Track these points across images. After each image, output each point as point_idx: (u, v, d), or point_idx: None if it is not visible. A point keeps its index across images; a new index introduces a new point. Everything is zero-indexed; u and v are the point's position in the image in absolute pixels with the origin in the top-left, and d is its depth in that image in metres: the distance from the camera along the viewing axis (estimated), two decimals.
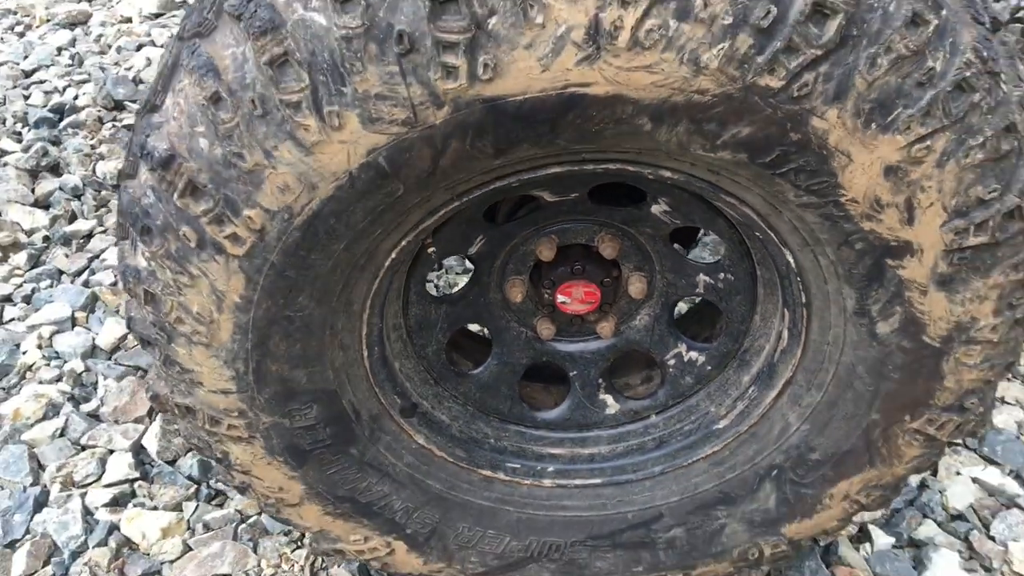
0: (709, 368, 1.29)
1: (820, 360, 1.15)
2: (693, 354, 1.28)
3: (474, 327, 1.47)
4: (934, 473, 1.66)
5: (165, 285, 1.02)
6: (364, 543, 1.30)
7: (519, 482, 1.31)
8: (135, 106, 2.66)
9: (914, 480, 1.64)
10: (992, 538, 1.56)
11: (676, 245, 1.26)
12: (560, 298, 1.22)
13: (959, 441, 1.70)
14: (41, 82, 2.75)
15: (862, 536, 1.57)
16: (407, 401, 1.25)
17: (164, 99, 0.97)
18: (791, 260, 1.08)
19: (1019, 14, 3.07)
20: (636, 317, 1.27)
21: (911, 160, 0.91)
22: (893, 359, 1.09)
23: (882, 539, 1.55)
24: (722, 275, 1.22)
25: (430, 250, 1.16)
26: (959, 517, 1.60)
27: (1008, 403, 1.78)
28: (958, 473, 1.66)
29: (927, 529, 1.57)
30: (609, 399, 1.33)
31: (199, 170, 0.93)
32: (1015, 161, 0.95)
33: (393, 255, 1.06)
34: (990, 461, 1.68)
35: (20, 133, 2.54)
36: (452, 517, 1.29)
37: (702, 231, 1.31)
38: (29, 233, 2.20)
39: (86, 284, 2.08)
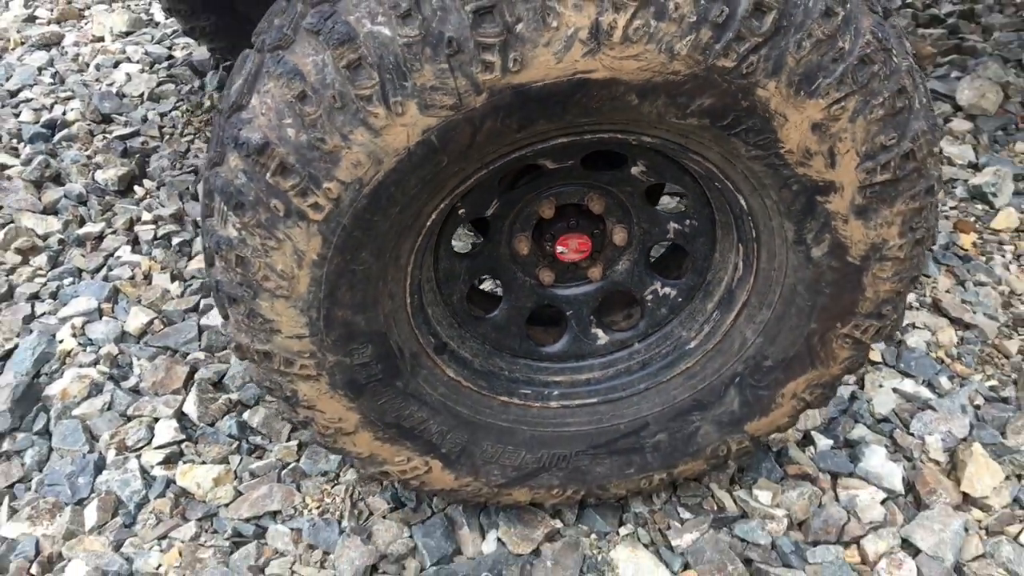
0: (680, 300, 1.59)
1: (768, 283, 1.46)
2: (667, 289, 1.58)
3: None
4: (861, 386, 1.99)
5: (254, 249, 1.27)
6: (407, 463, 1.56)
7: (530, 405, 1.59)
8: (122, 119, 2.86)
9: (846, 392, 1.97)
10: (912, 434, 1.89)
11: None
12: (559, 249, 1.51)
13: (881, 345, 2.03)
14: (27, 100, 2.93)
15: (806, 441, 1.89)
16: (439, 341, 1.52)
17: (250, 100, 1.22)
18: (743, 203, 1.38)
19: (907, 1, 3.47)
20: (619, 262, 1.56)
21: (831, 118, 1.21)
22: (825, 277, 1.40)
23: (823, 441, 1.87)
24: (687, 222, 1.51)
25: (460, 212, 1.43)
26: (884, 420, 1.92)
27: (918, 327, 2.12)
28: (881, 385, 1.99)
29: (859, 431, 1.89)
30: (600, 332, 1.62)
31: (288, 153, 1.19)
32: (907, 115, 1.26)
33: (433, 216, 1.33)
34: (906, 374, 2.01)
35: (17, 148, 2.73)
36: (478, 437, 1.57)
37: (667, 187, 1.60)
38: (44, 237, 2.40)
39: (106, 279, 2.29)
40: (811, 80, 1.18)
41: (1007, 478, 1.78)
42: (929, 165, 1.31)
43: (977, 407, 1.93)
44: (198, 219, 2.47)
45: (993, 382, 1.99)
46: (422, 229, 1.34)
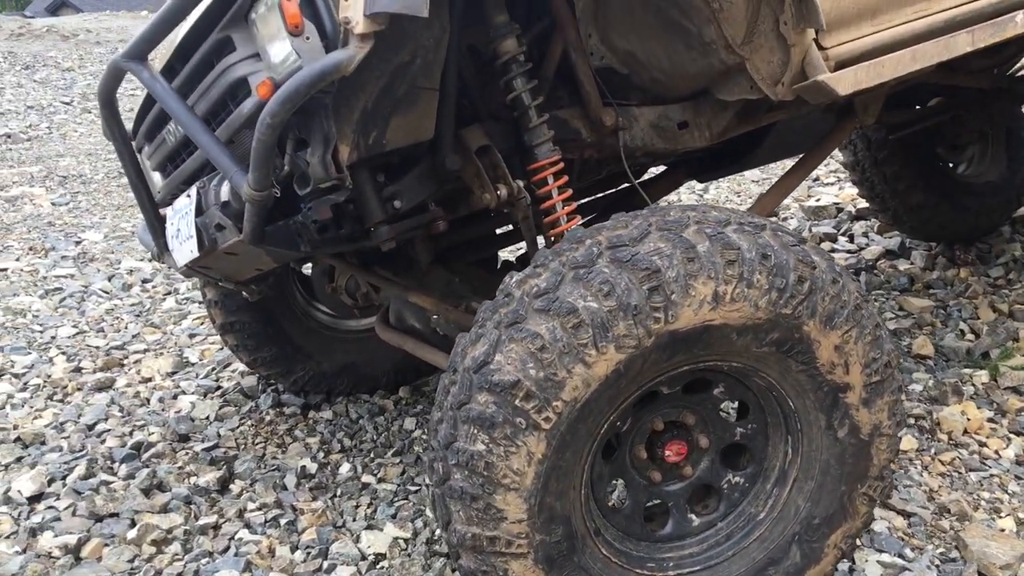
0: (747, 484, 2.27)
1: (811, 461, 2.18)
2: (737, 478, 2.26)
3: None
4: (854, 562, 2.65)
5: (498, 455, 1.90)
6: None
7: (654, 574, 2.18)
8: (199, 436, 3.38)
9: (844, 567, 2.62)
10: None
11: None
12: (667, 452, 2.19)
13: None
14: (107, 431, 3.42)
15: None
16: (595, 526, 2.12)
17: (495, 357, 1.91)
18: (791, 404, 2.13)
19: None
20: (702, 461, 2.25)
21: (844, 342, 2.02)
22: (847, 451, 2.14)
23: None
24: (749, 426, 2.24)
25: (616, 423, 2.11)
26: None
27: (879, 519, 2.84)
28: (867, 560, 2.65)
29: None
30: (694, 517, 2.26)
31: (531, 384, 1.86)
32: (883, 339, 2.08)
33: (605, 426, 2.00)
34: (880, 550, 2.69)
35: (112, 467, 3.19)
36: None
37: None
38: (169, 531, 2.83)
39: (236, 554, 2.73)
40: (832, 319, 2.00)
41: None
42: (898, 371, 2.13)
43: (938, 566, 2.63)
44: (295, 503, 2.97)
45: (941, 550, 2.71)
46: (597, 436, 2.01)
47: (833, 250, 5.48)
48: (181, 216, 2.44)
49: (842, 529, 2.21)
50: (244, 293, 3.00)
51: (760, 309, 1.93)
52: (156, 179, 2.90)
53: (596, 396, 1.90)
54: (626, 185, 3.45)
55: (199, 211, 2.31)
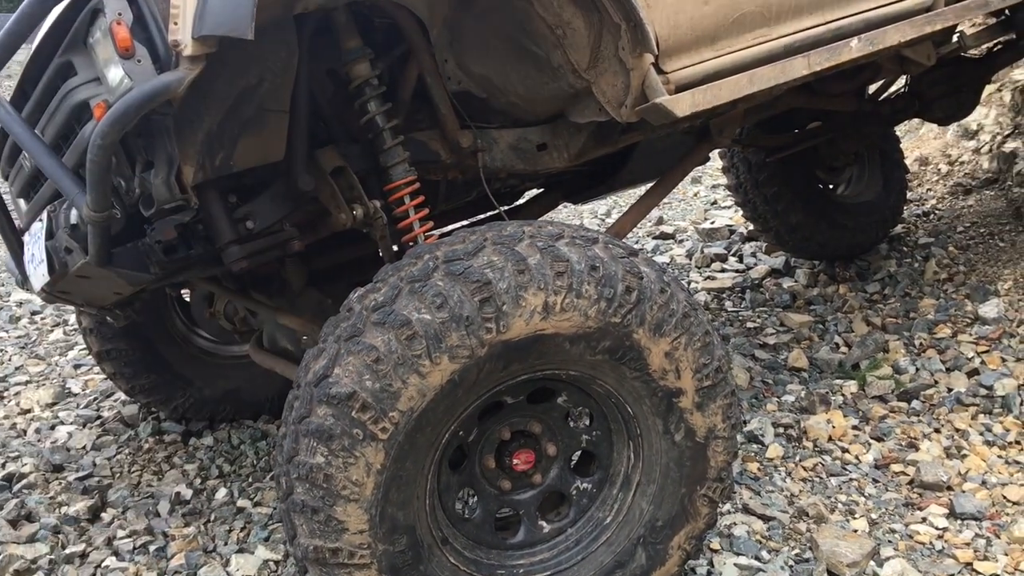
0: (594, 490, 2.34)
1: (652, 465, 2.26)
2: (585, 484, 2.33)
3: None
4: (712, 564, 2.74)
5: (337, 467, 1.93)
6: None
7: None
8: (73, 466, 3.34)
9: (703, 571, 2.71)
10: None
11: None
12: (515, 461, 2.25)
13: (717, 538, 2.81)
14: None
15: None
16: (442, 535, 2.16)
17: (333, 370, 1.95)
18: (630, 410, 2.21)
19: None
20: (551, 469, 2.31)
21: (674, 348, 2.11)
22: (685, 454, 2.22)
23: None
24: (593, 433, 2.31)
25: (459, 433, 2.16)
26: None
27: (738, 524, 2.94)
28: (724, 563, 2.74)
29: None
30: (544, 524, 2.32)
31: (367, 396, 1.91)
32: (713, 345, 2.18)
33: (446, 436, 2.05)
34: (738, 553, 2.78)
35: None
36: None
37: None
38: (34, 560, 2.78)
39: None
40: (661, 327, 2.09)
41: None
42: (730, 375, 2.23)
43: (792, 567, 2.73)
44: (166, 529, 2.96)
45: (796, 551, 2.82)
46: (439, 446, 2.06)
47: (723, 269, 5.66)
48: (35, 240, 2.44)
49: (685, 530, 2.30)
50: (109, 319, 2.99)
51: (590, 318, 2.02)
52: (21, 205, 2.88)
53: (433, 406, 1.95)
54: (506, 208, 3.53)
55: (49, 235, 2.31)
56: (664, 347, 2.10)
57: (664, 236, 6.59)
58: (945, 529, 2.87)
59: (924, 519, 2.93)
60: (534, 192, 3.73)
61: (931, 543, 2.81)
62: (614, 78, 2.47)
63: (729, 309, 4.98)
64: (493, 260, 1.99)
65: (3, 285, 5.99)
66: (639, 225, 7.15)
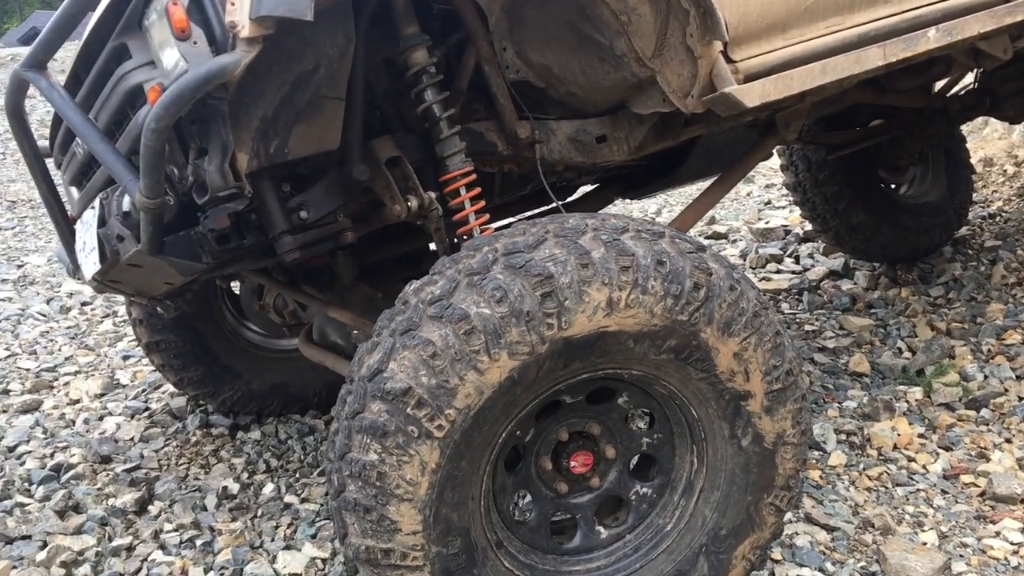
0: (655, 495, 2.24)
1: (716, 471, 2.16)
2: (645, 489, 2.24)
3: None
4: None
5: (391, 465, 1.86)
6: None
7: None
8: (121, 457, 3.32)
9: None
10: None
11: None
12: (572, 463, 2.16)
13: (778, 550, 2.70)
14: (27, 452, 3.34)
15: None
16: (497, 539, 2.08)
17: (388, 365, 1.88)
18: (694, 413, 2.11)
19: None
20: (610, 472, 2.22)
21: (743, 348, 2.01)
22: (752, 459, 2.12)
23: None
24: (655, 436, 2.22)
25: (516, 432, 2.08)
26: None
27: (801, 534, 2.82)
28: (787, 575, 2.64)
29: None
30: (601, 529, 2.23)
31: (423, 392, 1.84)
32: (783, 347, 2.07)
33: (503, 435, 1.97)
34: (802, 565, 2.67)
35: (30, 490, 3.11)
36: None
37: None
38: (81, 552, 2.76)
39: None
40: (730, 326, 1.99)
41: None
42: (800, 378, 2.12)
43: None
44: (213, 524, 2.91)
45: (863, 563, 2.70)
46: (495, 445, 1.98)
47: (778, 270, 5.52)
48: (87, 228, 2.40)
49: (750, 540, 2.19)
50: (159, 309, 2.96)
51: (656, 315, 1.92)
52: (74, 193, 2.86)
53: (490, 404, 1.87)
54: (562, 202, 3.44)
55: (101, 222, 2.27)
56: (733, 347, 2.00)
57: (717, 236, 6.45)
58: (1021, 544, 2.72)
59: (998, 533, 2.79)
60: (586, 188, 3.64)
61: (1006, 559, 2.67)
62: (680, 67, 2.38)
63: (786, 311, 4.84)
64: (555, 253, 1.90)
65: (55, 275, 6.04)
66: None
